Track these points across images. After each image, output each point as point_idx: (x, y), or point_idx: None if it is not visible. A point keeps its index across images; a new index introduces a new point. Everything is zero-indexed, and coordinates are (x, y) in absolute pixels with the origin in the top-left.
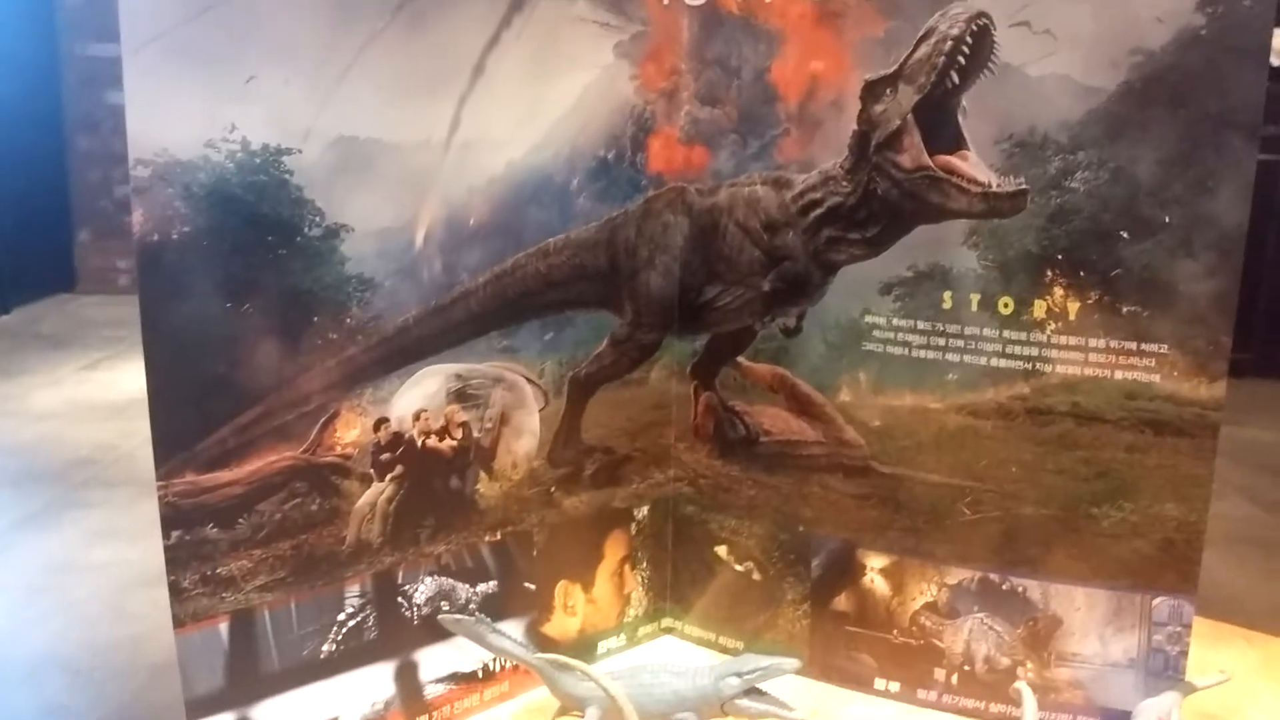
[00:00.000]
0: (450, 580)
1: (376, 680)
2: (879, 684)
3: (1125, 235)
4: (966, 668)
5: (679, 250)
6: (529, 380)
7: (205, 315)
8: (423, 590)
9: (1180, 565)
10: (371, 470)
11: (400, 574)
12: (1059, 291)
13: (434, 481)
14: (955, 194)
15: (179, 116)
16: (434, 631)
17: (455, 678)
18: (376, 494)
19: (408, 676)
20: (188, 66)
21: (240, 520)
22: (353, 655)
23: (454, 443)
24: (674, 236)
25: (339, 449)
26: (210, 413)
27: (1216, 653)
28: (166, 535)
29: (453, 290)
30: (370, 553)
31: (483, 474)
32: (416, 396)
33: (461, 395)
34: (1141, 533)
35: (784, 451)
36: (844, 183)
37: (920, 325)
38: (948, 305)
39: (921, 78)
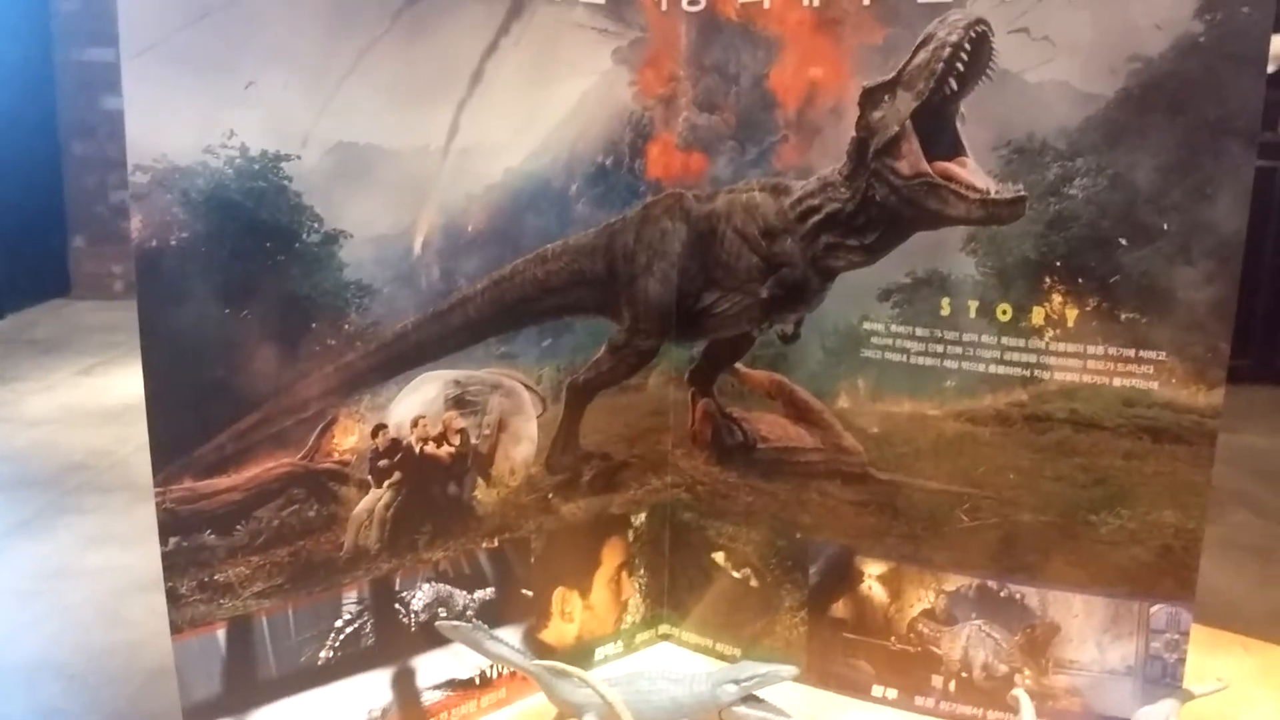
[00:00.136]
0: (448, 587)
1: (374, 687)
2: (877, 691)
3: (1124, 242)
4: (964, 675)
5: (677, 256)
6: (527, 386)
7: (203, 321)
8: (420, 597)
9: (1178, 572)
10: (369, 477)
11: (398, 580)
12: (1057, 298)
13: (432, 488)
14: (953, 200)
15: (178, 122)
16: (431, 638)
17: (453, 684)
18: (374, 500)
19: (405, 683)
20: (186, 72)
21: (238, 526)
22: (350, 662)
23: (452, 449)
24: (672, 243)
25: (337, 455)
26: (208, 419)
27: (1214, 660)
28: (164, 541)
29: (451, 296)
30: (368, 559)
31: (480, 480)
32: (414, 403)
33: (459, 402)
34: (1139, 540)
35: (782, 458)
36: (842, 189)
37: (918, 332)
38: (946, 312)
39: (920, 84)
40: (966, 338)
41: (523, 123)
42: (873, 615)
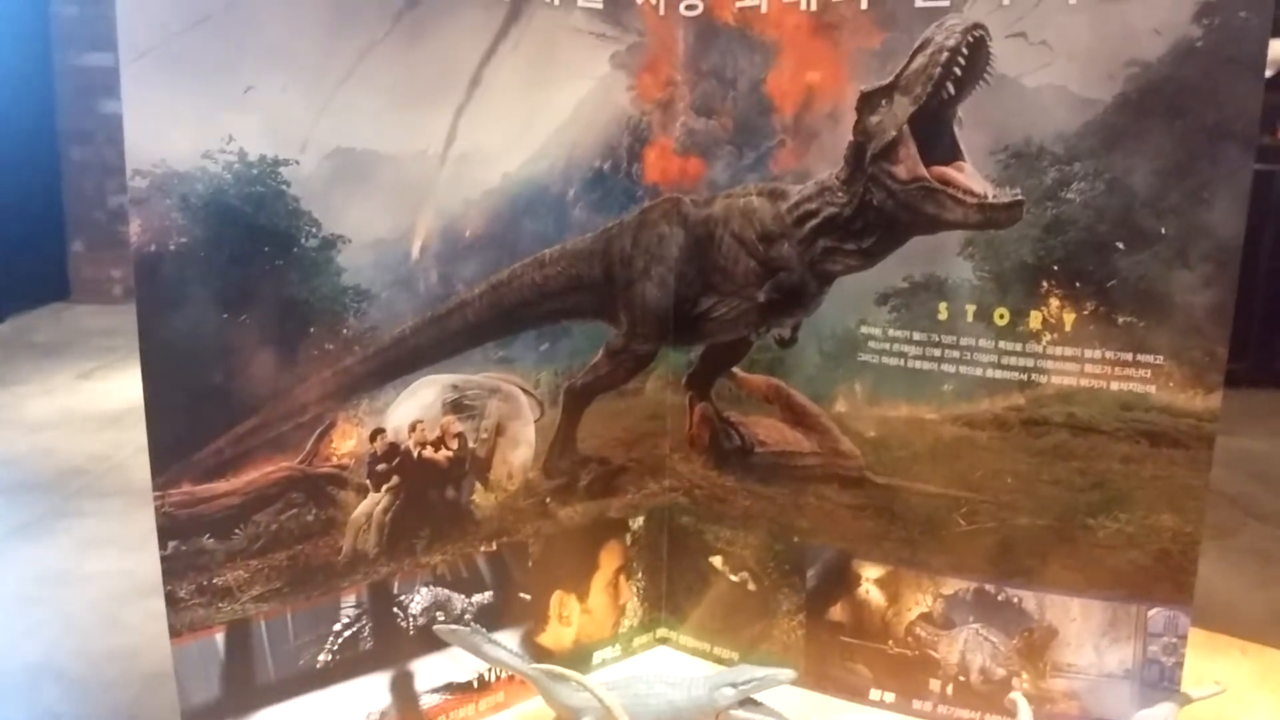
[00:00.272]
0: (446, 591)
1: (372, 690)
2: (874, 695)
3: (1121, 246)
4: (962, 678)
5: (674, 261)
6: (525, 391)
7: (202, 326)
8: (418, 600)
9: (1176, 576)
10: (367, 481)
11: (396, 584)
12: (1055, 302)
13: (430, 492)
14: (951, 205)
15: (176, 127)
16: (429, 642)
17: (451, 688)
18: (372, 504)
19: (403, 687)
20: (185, 77)
21: (237, 531)
22: (349, 665)
23: (450, 453)
24: (669, 247)
25: (335, 460)
26: (207, 423)
27: (1212, 663)
28: (163, 546)
29: (449, 301)
30: (366, 563)
31: (478, 485)
32: (413, 407)
33: (457, 406)
34: (1137, 543)
35: (779, 462)
36: (840, 194)
37: (916, 336)
38: (943, 316)
39: (917, 89)
40: (964, 342)
41: (521, 127)
42: (870, 619)
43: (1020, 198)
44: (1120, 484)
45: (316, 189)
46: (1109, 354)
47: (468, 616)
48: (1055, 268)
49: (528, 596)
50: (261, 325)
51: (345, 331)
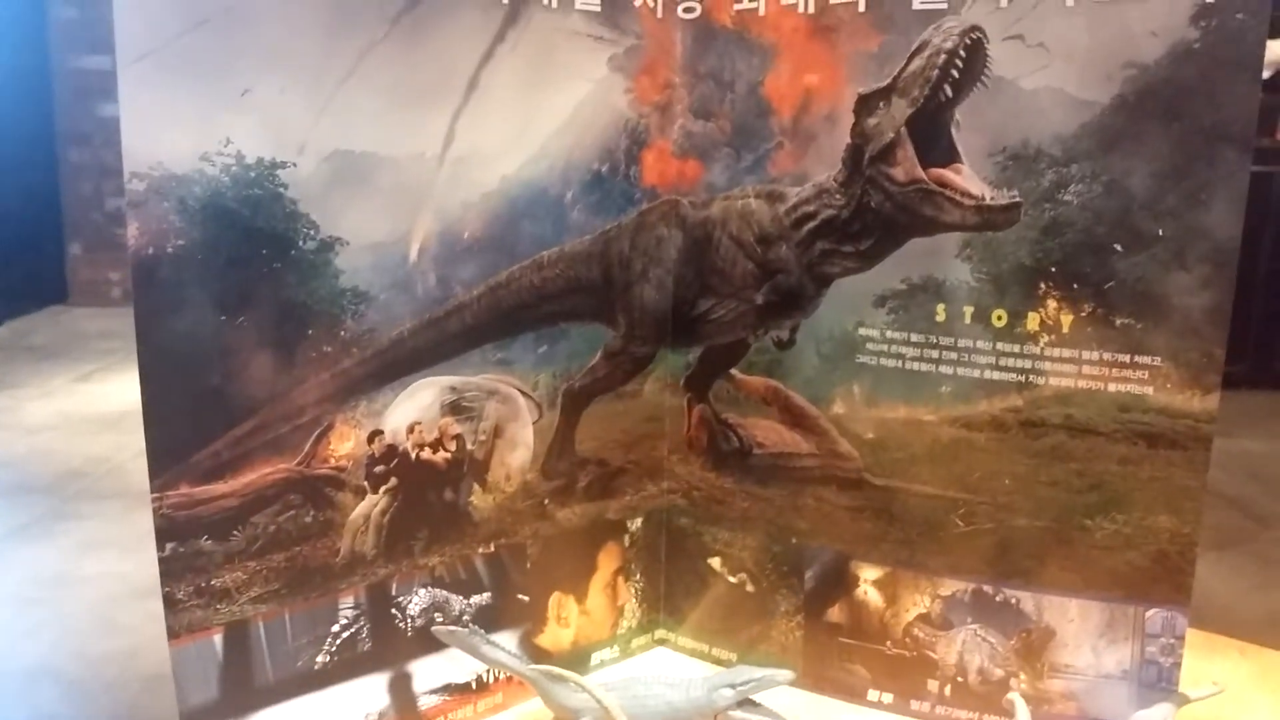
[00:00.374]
0: (444, 592)
1: (370, 691)
2: (872, 695)
3: (1119, 248)
4: (960, 679)
5: (672, 263)
6: (523, 393)
7: (200, 328)
8: (416, 602)
9: (1173, 577)
10: (365, 482)
11: (394, 586)
12: (1052, 304)
13: (428, 494)
14: (948, 207)
15: (174, 130)
16: (428, 643)
17: (449, 689)
18: (370, 506)
19: (402, 688)
20: (183, 80)
21: (234, 532)
22: (347, 666)
23: (448, 455)
24: (667, 249)
25: (333, 461)
26: (204, 425)
27: (1210, 664)
28: (161, 547)
29: (447, 303)
30: (364, 564)
31: (476, 486)
32: (411, 409)
33: (455, 408)
34: (1135, 544)
35: (777, 464)
36: (838, 196)
37: (914, 338)
38: (941, 318)
39: (915, 91)
40: (962, 343)
41: (519, 130)
42: (868, 620)
43: (1018, 200)
44: (1118, 485)
45: (314, 191)
46: (1107, 355)
47: (466, 618)
48: (1053, 269)
49: (526, 598)
50: (259, 327)
51: (343, 334)
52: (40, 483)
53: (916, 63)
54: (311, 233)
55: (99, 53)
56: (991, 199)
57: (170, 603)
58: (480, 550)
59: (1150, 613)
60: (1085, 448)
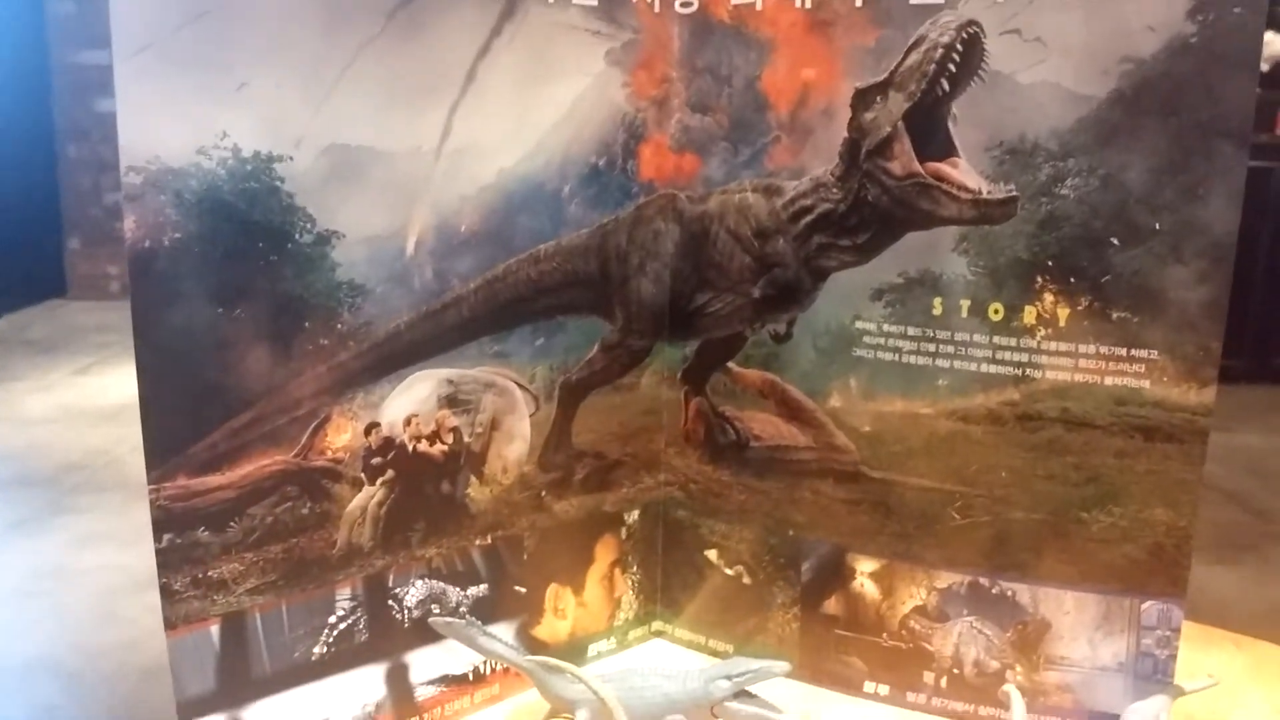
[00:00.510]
0: (441, 583)
1: (367, 682)
2: (868, 687)
3: (1116, 242)
4: (956, 671)
5: (670, 257)
6: (520, 385)
7: (196, 321)
8: (413, 593)
9: (1169, 569)
10: (362, 474)
11: (391, 577)
12: (1049, 298)
13: (425, 486)
14: (945, 201)
15: (171, 123)
16: (425, 634)
17: (446, 680)
18: (367, 498)
19: (398, 679)
20: (179, 73)
21: (231, 524)
22: (344, 658)
23: (445, 447)
24: (665, 243)
25: (330, 453)
26: (201, 417)
27: (1206, 656)
28: (158, 538)
29: (444, 296)
30: (361, 556)
31: (473, 478)
32: (407, 401)
33: (452, 400)
34: (1131, 537)
35: (774, 457)
36: (835, 190)
37: (911, 331)
38: (938, 311)
39: (912, 85)
40: (959, 337)
41: (515, 124)
42: (865, 612)
43: (1015, 194)
44: (1114, 478)
45: (311, 185)
46: (1103, 349)
47: (463, 609)
48: (1050, 263)
49: (523, 589)
50: (256, 320)
51: (340, 327)
52: (39, 476)
53: (913, 57)
54: (308, 226)
55: (97, 48)
56: (988, 193)
57: (167, 594)
58: (477, 542)
59: (1146, 605)
60: (1082, 441)
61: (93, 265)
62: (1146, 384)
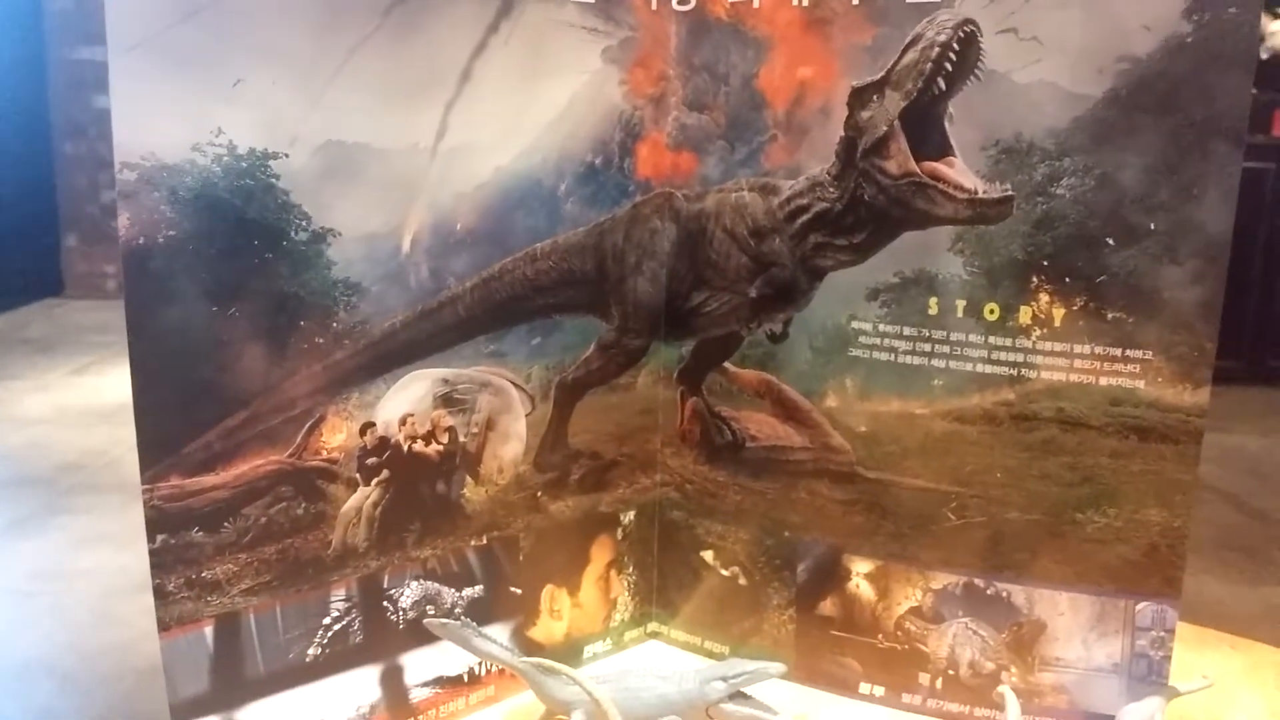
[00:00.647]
0: (436, 585)
1: (362, 684)
2: (864, 688)
3: (1111, 242)
4: (951, 672)
5: (666, 256)
6: (516, 385)
7: (191, 319)
8: (408, 594)
9: (1164, 570)
10: (357, 475)
11: (386, 578)
12: (1044, 298)
13: (420, 486)
14: (941, 200)
15: (165, 120)
16: (420, 635)
17: (441, 681)
18: (362, 498)
19: (393, 680)
20: (174, 70)
21: (225, 524)
22: (338, 659)
23: (440, 447)
24: (661, 242)
25: (325, 453)
26: (196, 417)
27: (1201, 657)
28: (151, 539)
29: (440, 295)
30: (356, 557)
31: (469, 479)
32: (403, 401)
33: (448, 400)
34: (1125, 538)
35: (770, 457)
36: (831, 189)
37: (906, 331)
38: (934, 311)
39: (908, 84)
40: (954, 337)
41: (512, 122)
42: (860, 613)
43: (1010, 193)
44: (1109, 479)
45: (307, 182)
46: (1098, 349)
47: (458, 610)
48: (1045, 263)
49: (518, 590)
50: (251, 319)
51: (335, 325)
52: (36, 476)
53: (910, 56)
54: (304, 224)
55: (95, 44)
56: (984, 192)
57: (161, 594)
58: (472, 543)
59: (1141, 606)
60: (1077, 441)
61: (90, 264)
62: (1141, 384)
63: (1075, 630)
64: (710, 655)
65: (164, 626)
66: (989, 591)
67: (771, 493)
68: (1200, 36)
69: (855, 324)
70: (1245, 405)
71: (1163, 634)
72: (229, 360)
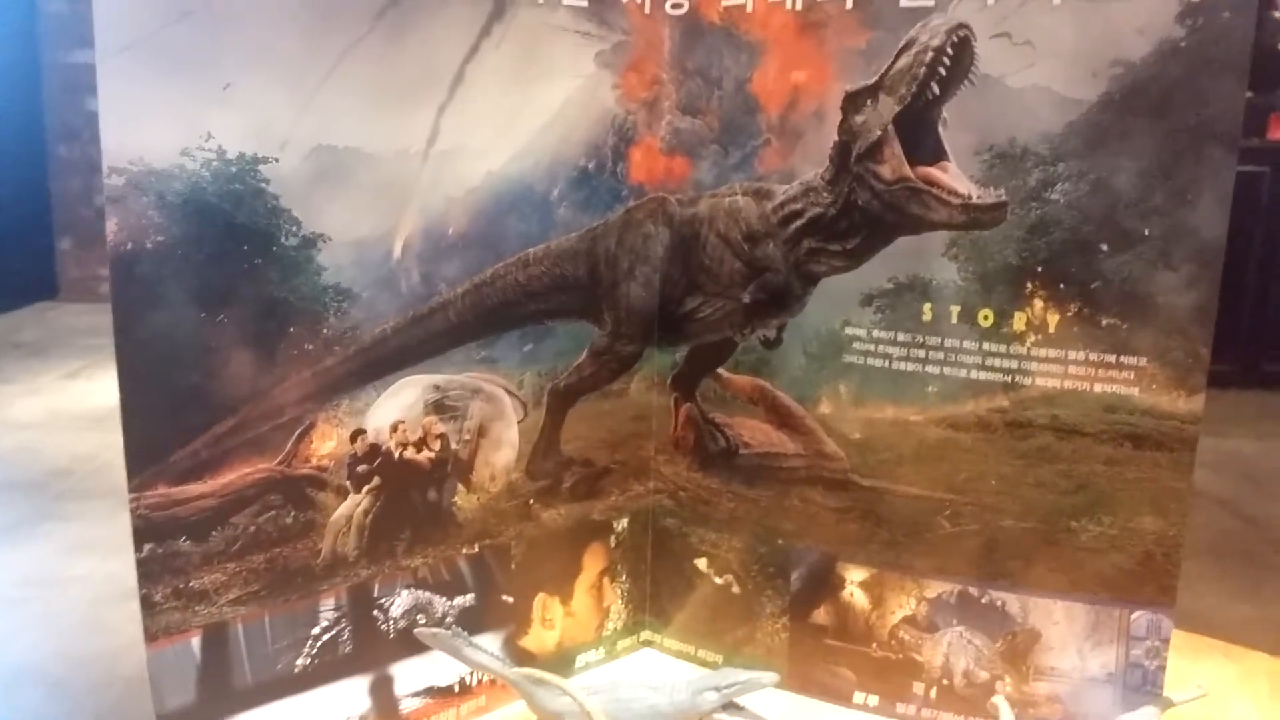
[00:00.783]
0: (427, 593)
1: (351, 694)
2: (858, 698)
3: (1105, 248)
4: (945, 681)
5: (659, 261)
6: (508, 391)
7: (180, 325)
8: (399, 603)
9: (1159, 579)
10: (348, 482)
11: (376, 587)
12: (1039, 304)
13: (411, 494)
14: (935, 205)
15: (154, 124)
16: (410, 645)
17: (431, 692)
18: (352, 506)
19: (383, 690)
20: (164, 73)
21: (213, 533)
22: (327, 669)
23: (431, 454)
24: (654, 247)
25: (315, 461)
26: (184, 424)
27: (1195, 666)
28: (138, 548)
29: (431, 300)
30: (346, 566)
31: (460, 486)
32: (394, 408)
33: (439, 406)
34: (1120, 546)
35: (764, 464)
36: (825, 194)
37: (900, 337)
38: (928, 317)
39: (902, 89)
40: (948, 343)
41: (504, 126)
42: (854, 622)
43: (1004, 198)
44: (1104, 486)
45: (297, 187)
46: (1093, 356)
47: (449, 619)
48: (1039, 269)
49: (510, 599)
50: (240, 325)
51: (325, 331)
52: (27, 481)
53: (904, 60)
54: (294, 229)
55: (89, 47)
56: (978, 198)
57: (147, 604)
58: (464, 551)
59: (1135, 615)
60: (1071, 448)
61: (83, 267)
62: (1136, 391)
63: (1070, 639)
64: (704, 664)
65: (151, 637)
66: (983, 600)
67: (765, 500)
68: (1194, 41)
69: (849, 330)
70: (1240, 409)
71: (1158, 643)
72: (218, 367)
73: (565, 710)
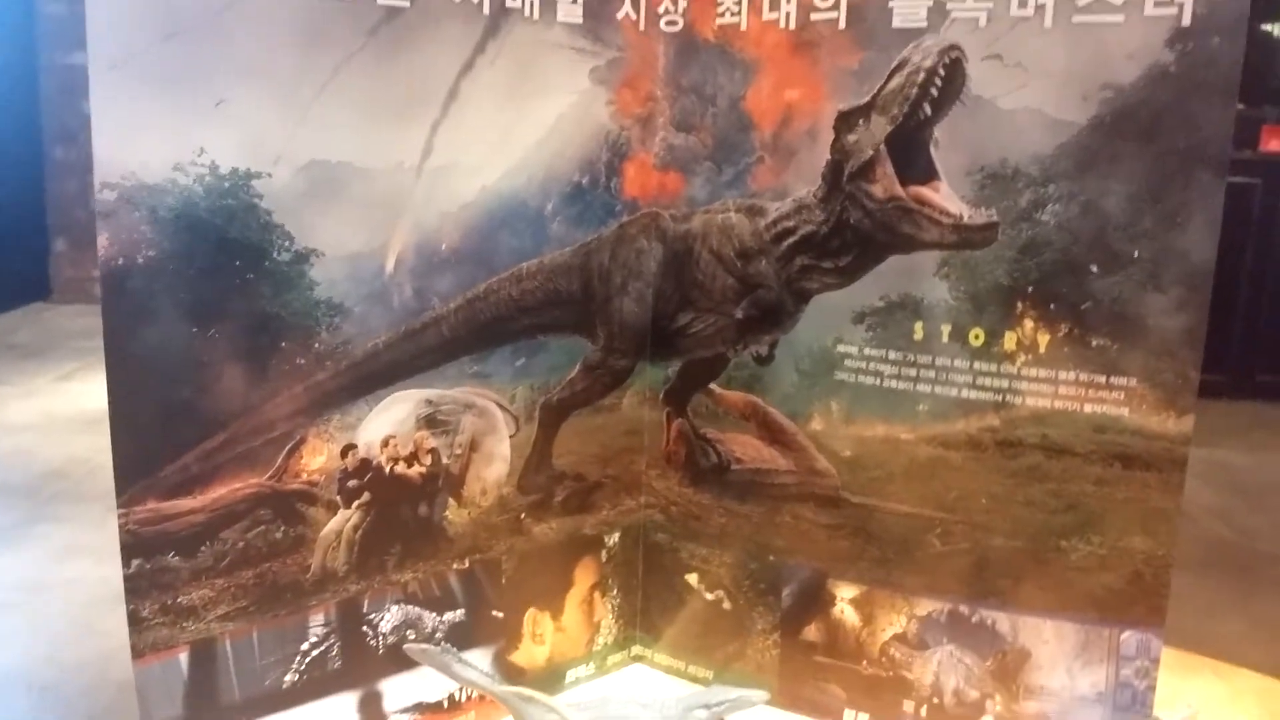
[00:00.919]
0: (417, 609)
1: (340, 711)
2: (848, 715)
3: (1095, 269)
4: (935, 700)
5: (652, 276)
6: (500, 406)
7: (171, 340)
8: (389, 619)
9: (1148, 599)
10: (338, 497)
11: (366, 603)
12: (1029, 324)
13: (402, 509)
14: (927, 225)
15: (147, 139)
16: (399, 661)
17: (421, 708)
18: (343, 522)
19: (372, 707)
20: (156, 89)
21: (202, 548)
22: (316, 685)
23: (423, 469)
24: (648, 262)
25: (305, 476)
26: (174, 439)
27: (1185, 683)
28: (126, 564)
29: (424, 315)
30: (335, 581)
31: (451, 501)
32: (385, 422)
33: (431, 421)
34: (1110, 566)
35: (755, 480)
36: (817, 211)
37: (892, 355)
38: (919, 336)
39: (894, 109)
40: (939, 362)
41: (498, 141)
42: (844, 639)
43: (995, 219)
44: (1093, 506)
45: (289, 202)
46: (1083, 376)
47: (439, 635)
48: (1030, 289)
49: (500, 614)
50: (231, 340)
51: (317, 346)
52: (20, 484)
53: (896, 80)
54: (286, 244)
55: (86, 49)
56: (969, 218)
57: (135, 620)
58: (454, 566)
59: (1125, 635)
60: (1061, 468)
61: (78, 269)
62: (1125, 411)
63: (1059, 658)
64: (694, 679)
65: (138, 653)
66: (973, 619)
67: (756, 516)
68: (1184, 66)
69: (841, 347)
70: (1232, 420)
71: (1147, 663)
72: (208, 381)
73: None
